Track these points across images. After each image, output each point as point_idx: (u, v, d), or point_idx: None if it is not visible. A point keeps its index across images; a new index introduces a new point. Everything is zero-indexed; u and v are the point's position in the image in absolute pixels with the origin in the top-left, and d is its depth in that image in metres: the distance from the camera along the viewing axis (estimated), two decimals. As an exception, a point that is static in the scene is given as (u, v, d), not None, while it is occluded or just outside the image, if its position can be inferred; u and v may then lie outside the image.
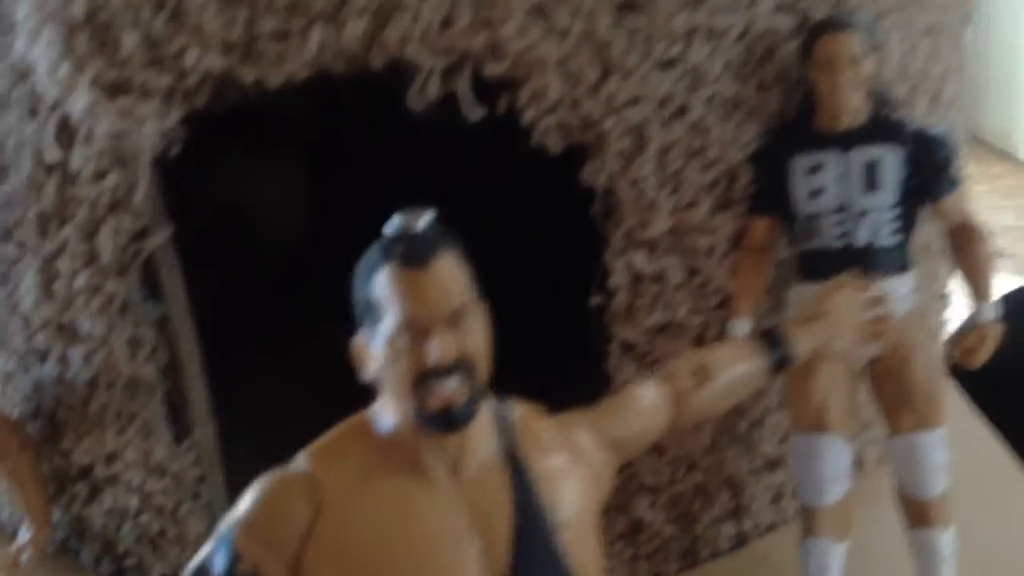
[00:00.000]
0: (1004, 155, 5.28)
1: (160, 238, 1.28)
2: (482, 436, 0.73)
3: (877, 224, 1.21)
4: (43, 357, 1.36)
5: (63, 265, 1.26)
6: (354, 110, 1.39)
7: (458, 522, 0.71)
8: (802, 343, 0.91)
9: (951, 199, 1.23)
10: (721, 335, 1.34)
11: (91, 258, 1.25)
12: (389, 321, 0.68)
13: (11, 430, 1.37)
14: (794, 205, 1.25)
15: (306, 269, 1.89)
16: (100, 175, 1.22)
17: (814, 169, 1.23)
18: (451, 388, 0.67)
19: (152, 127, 1.17)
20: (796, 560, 1.32)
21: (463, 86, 1.18)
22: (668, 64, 1.22)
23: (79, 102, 1.16)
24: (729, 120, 1.27)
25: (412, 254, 0.67)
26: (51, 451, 1.41)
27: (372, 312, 0.69)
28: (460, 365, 0.68)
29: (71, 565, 1.51)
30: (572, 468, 0.77)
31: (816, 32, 1.21)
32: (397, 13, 1.12)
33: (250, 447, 1.42)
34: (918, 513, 1.23)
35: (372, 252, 0.70)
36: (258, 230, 1.70)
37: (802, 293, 1.30)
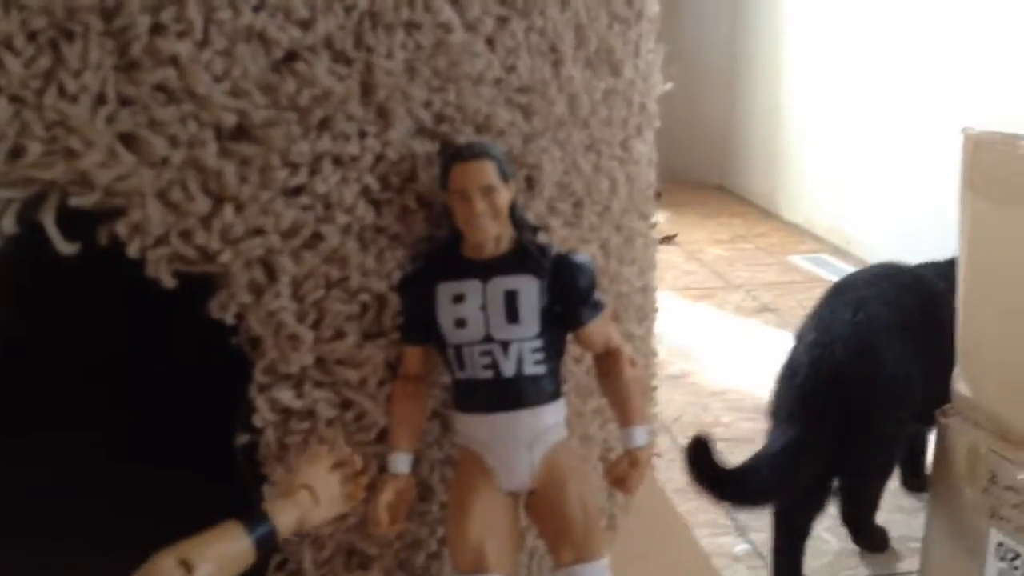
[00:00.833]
0: (768, 215, 5.67)
1: None
2: None
3: (522, 354, 1.17)
4: None
5: None
6: None
7: None
8: (284, 519, 0.96)
9: (593, 326, 1.21)
10: (382, 470, 1.26)
11: None
12: None
13: None
14: (443, 334, 1.20)
15: None
16: None
17: (457, 299, 1.18)
18: None
19: None
20: None
21: (48, 219, 1.04)
22: (293, 192, 1.13)
23: None
24: (370, 248, 1.20)
25: None
26: None
27: None
28: None
29: None
30: None
31: (448, 161, 1.17)
32: (-53, 144, 0.97)
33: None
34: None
35: None
36: None
37: (461, 425, 1.24)
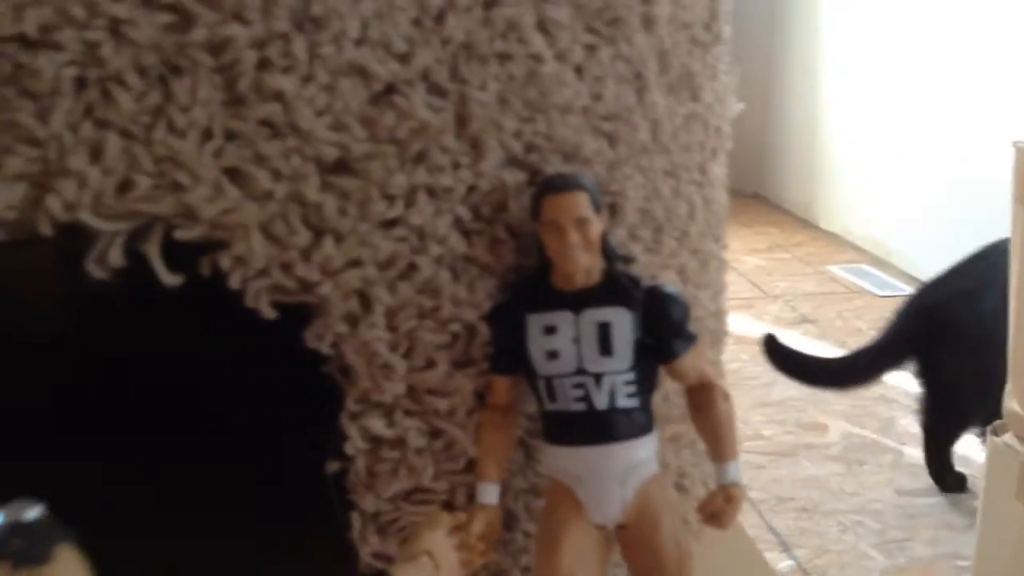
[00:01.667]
0: (806, 224, 5.61)
1: None
2: None
3: (615, 387, 1.17)
4: None
5: None
6: (26, 278, 1.24)
7: None
8: None
9: (686, 358, 1.20)
10: (470, 499, 1.26)
11: None
12: None
13: None
14: (533, 366, 1.20)
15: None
16: None
17: (549, 330, 1.18)
18: None
19: None
20: None
21: (153, 251, 1.05)
22: (389, 224, 1.13)
23: None
24: (462, 278, 1.20)
25: (28, 550, 0.63)
26: None
27: None
28: None
29: None
30: None
31: (541, 192, 1.17)
32: (60, 179, 0.98)
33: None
34: None
35: None
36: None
37: (551, 457, 1.24)
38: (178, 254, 1.08)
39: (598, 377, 1.16)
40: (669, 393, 1.51)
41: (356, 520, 1.26)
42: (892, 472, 2.38)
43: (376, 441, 1.22)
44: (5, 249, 1.03)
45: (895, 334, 2.12)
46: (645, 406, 1.20)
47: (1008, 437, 1.44)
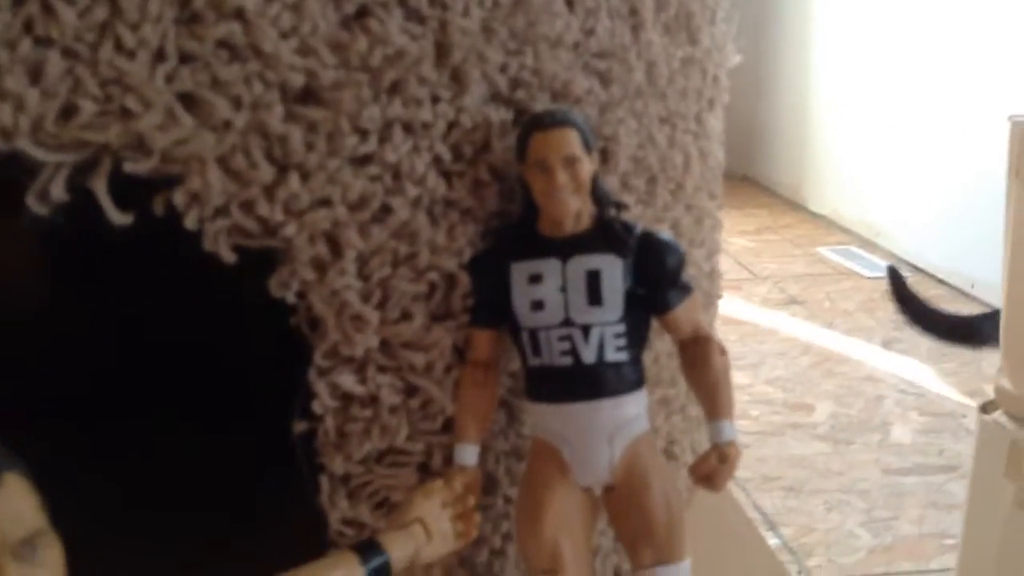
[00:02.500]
0: (795, 206, 5.56)
1: None
2: None
3: (604, 339, 1.09)
4: None
5: None
6: None
7: None
8: (397, 550, 0.94)
9: (681, 310, 1.12)
10: (448, 461, 1.18)
11: None
12: None
13: None
14: (517, 318, 1.11)
15: None
16: None
17: (534, 279, 1.10)
18: None
19: None
20: None
21: (100, 186, 0.96)
22: (361, 161, 1.04)
23: None
24: (441, 223, 1.11)
25: None
26: None
27: None
28: None
29: None
30: None
31: (528, 129, 1.08)
32: (-3, 101, 0.88)
33: None
34: None
35: None
36: None
37: (535, 415, 1.16)
38: (130, 190, 0.99)
39: (586, 329, 1.08)
40: (660, 355, 1.43)
41: (325, 483, 1.17)
42: (879, 452, 2.35)
43: (346, 399, 1.14)
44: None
45: None
46: (635, 360, 1.12)
47: (998, 415, 1.41)
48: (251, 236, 1.04)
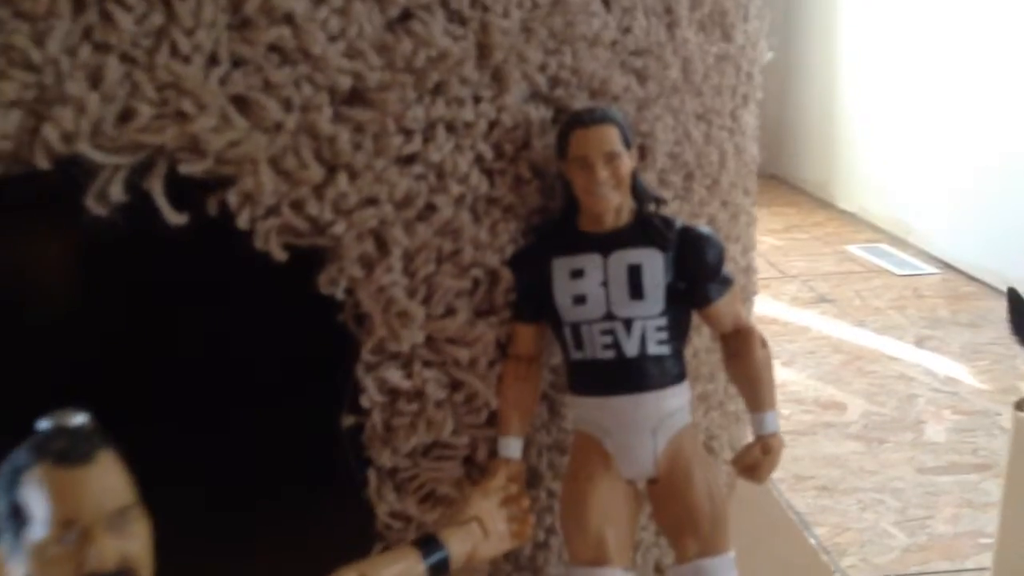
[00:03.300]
0: (824, 204, 5.52)
1: None
2: None
3: (646, 333, 1.10)
4: None
5: None
6: (24, 217, 1.17)
7: None
8: (457, 547, 0.95)
9: (722, 303, 1.14)
10: (492, 455, 1.20)
11: None
12: (39, 527, 0.63)
13: None
14: (559, 312, 1.13)
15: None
16: None
17: (576, 274, 1.11)
18: None
19: None
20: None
21: (157, 187, 0.99)
22: (406, 161, 1.07)
23: None
24: (484, 220, 1.14)
25: (68, 452, 0.64)
26: None
27: (17, 520, 0.64)
28: (122, 573, 0.64)
29: None
30: None
31: (568, 127, 1.10)
32: (57, 106, 0.92)
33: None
34: None
35: (18, 453, 0.65)
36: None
37: (578, 408, 1.18)
38: (185, 192, 1.02)
39: (628, 322, 1.10)
40: (698, 351, 1.44)
41: (372, 477, 1.20)
42: (912, 450, 2.33)
43: (393, 393, 1.16)
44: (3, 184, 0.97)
45: None
46: (677, 354, 1.13)
47: (1035, 413, 1.39)
48: (300, 235, 1.07)
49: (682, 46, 1.27)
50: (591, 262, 1.10)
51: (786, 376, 2.82)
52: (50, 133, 0.92)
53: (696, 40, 1.30)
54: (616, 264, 1.10)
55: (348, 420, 1.18)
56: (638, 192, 1.13)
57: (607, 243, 1.11)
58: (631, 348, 1.10)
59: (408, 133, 1.06)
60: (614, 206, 1.10)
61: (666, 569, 1.47)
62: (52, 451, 0.64)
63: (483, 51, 1.08)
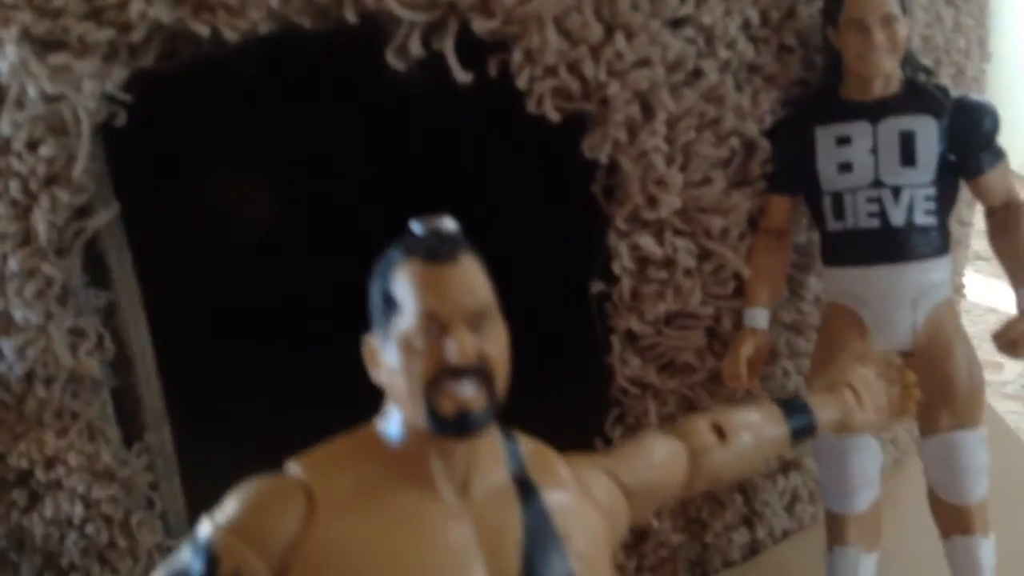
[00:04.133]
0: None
1: (105, 217, 1.14)
2: (492, 456, 0.70)
3: (914, 201, 1.09)
4: (-27, 349, 1.20)
5: (-7, 246, 1.11)
6: (330, 70, 1.24)
7: (464, 541, 0.67)
8: (825, 414, 0.87)
9: (994, 174, 1.10)
10: (736, 325, 1.22)
11: (25, 238, 1.10)
12: (408, 317, 0.66)
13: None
14: (820, 181, 1.13)
15: (274, 254, 1.73)
16: (33, 144, 1.07)
17: (842, 141, 1.11)
18: (468, 391, 0.65)
19: (92, 89, 1.03)
20: (813, 570, 1.21)
21: (449, 45, 1.05)
22: (679, 23, 1.08)
23: (7, 59, 1.01)
24: (745, 88, 1.14)
25: (436, 250, 0.66)
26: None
27: (389, 308, 0.67)
28: (479, 369, 0.65)
29: (11, 581, 1.36)
30: (584, 507, 0.73)
31: (846, -13, 1.08)
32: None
33: (208, 452, 1.29)
34: (956, 520, 1.11)
35: (393, 248, 0.68)
36: (219, 210, 1.53)
37: (832, 279, 1.18)
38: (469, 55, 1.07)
39: (896, 190, 1.08)
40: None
41: (616, 343, 1.24)
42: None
43: (644, 261, 1.19)
44: (313, 40, 1.04)
45: None
46: (943, 225, 1.11)
47: None
48: (571, 98, 1.10)
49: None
50: (859, 129, 1.09)
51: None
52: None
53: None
54: (887, 131, 1.08)
55: (598, 287, 1.22)
56: (908, 60, 1.11)
57: (876, 110, 1.09)
58: (897, 217, 1.09)
59: (683, -6, 1.07)
60: (886, 71, 1.08)
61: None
62: (422, 249, 0.66)
63: (757, -87, 1.08)
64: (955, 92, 1.32)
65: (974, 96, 1.11)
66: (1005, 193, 1.11)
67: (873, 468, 1.12)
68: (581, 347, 1.27)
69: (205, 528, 0.65)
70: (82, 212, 1.12)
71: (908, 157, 1.07)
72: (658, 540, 1.29)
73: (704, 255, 1.20)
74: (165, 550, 1.21)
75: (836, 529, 1.14)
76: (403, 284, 0.66)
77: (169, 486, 1.30)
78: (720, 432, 0.83)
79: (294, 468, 0.68)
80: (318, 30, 1.04)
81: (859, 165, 1.09)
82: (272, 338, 1.51)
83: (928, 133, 1.07)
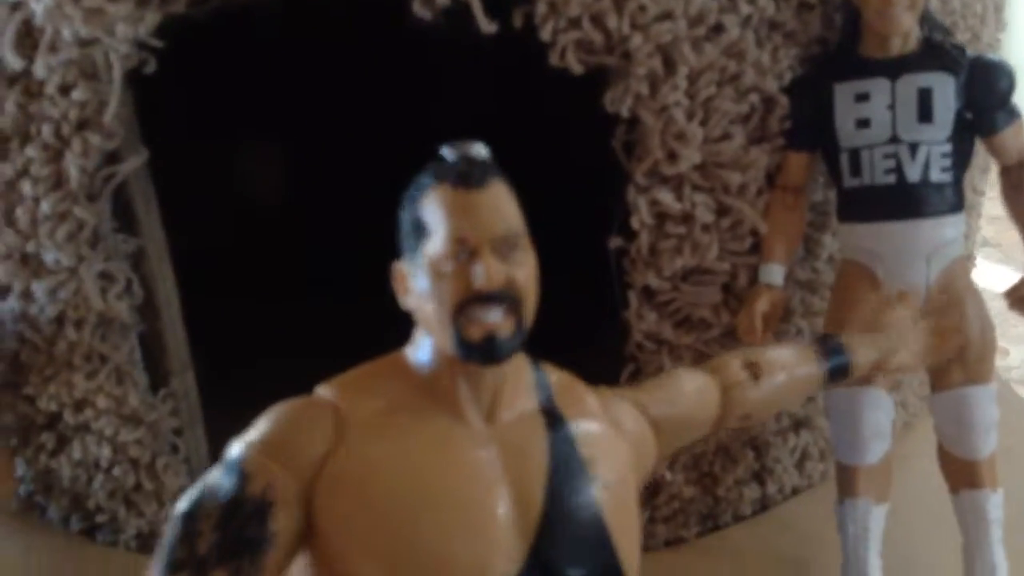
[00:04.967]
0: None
1: (134, 163, 1.16)
2: (519, 384, 0.70)
3: (930, 158, 1.10)
4: (3, 292, 1.23)
5: (26, 189, 1.13)
6: (356, 19, 1.26)
7: (491, 466, 0.67)
8: (861, 355, 0.86)
9: (1009, 132, 1.12)
10: (752, 282, 1.23)
11: (57, 181, 1.13)
12: (437, 242, 0.65)
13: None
14: (838, 138, 1.14)
15: (300, 201, 1.75)
16: (66, 88, 1.09)
17: (861, 97, 1.12)
18: (495, 317, 0.64)
19: (124, 32, 1.05)
20: (821, 525, 1.23)
21: (474, -2, 1.06)
22: (702, -24, 1.10)
23: (42, 1, 1.04)
24: (766, 44, 1.15)
25: (467, 175, 0.65)
26: (13, 396, 1.29)
27: (418, 234, 0.66)
28: (507, 295, 0.64)
29: (37, 522, 1.40)
30: (612, 437, 0.73)
31: (868, -56, 1.09)
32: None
33: (232, 398, 1.31)
34: (965, 474, 1.13)
35: (424, 174, 0.67)
36: (247, 158, 1.56)
37: (848, 235, 1.19)
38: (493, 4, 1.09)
39: (913, 146, 1.10)
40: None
41: (633, 298, 1.26)
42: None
43: (661, 217, 1.21)
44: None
45: None
46: (957, 182, 1.12)
47: None
48: (594, 52, 1.12)
49: None
50: (877, 86, 1.11)
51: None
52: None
53: None
54: (905, 87, 1.09)
55: (615, 242, 1.24)
56: (926, 18, 1.12)
57: (894, 67, 1.10)
58: (914, 173, 1.10)
59: (706, -53, 1.08)
60: (905, 28, 1.09)
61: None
62: (453, 174, 0.65)
63: None
64: (971, 50, 1.34)
65: (991, 56, 1.12)
66: (1019, 152, 1.13)
67: (886, 422, 1.14)
68: (597, 303, 1.29)
69: (236, 447, 0.65)
70: (112, 158, 1.14)
71: (925, 114, 1.09)
72: (671, 493, 1.32)
73: (722, 211, 1.21)
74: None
75: (847, 481, 1.16)
76: (433, 209, 0.65)
77: (193, 433, 1.33)
78: (753, 369, 0.82)
79: (324, 390, 0.68)
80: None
81: (877, 121, 1.11)
82: (298, 289, 1.53)
83: (945, 90, 1.09)
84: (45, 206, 1.13)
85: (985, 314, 1.15)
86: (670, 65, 1.13)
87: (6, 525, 1.38)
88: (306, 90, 1.52)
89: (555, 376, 0.74)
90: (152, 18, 1.05)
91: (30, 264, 1.17)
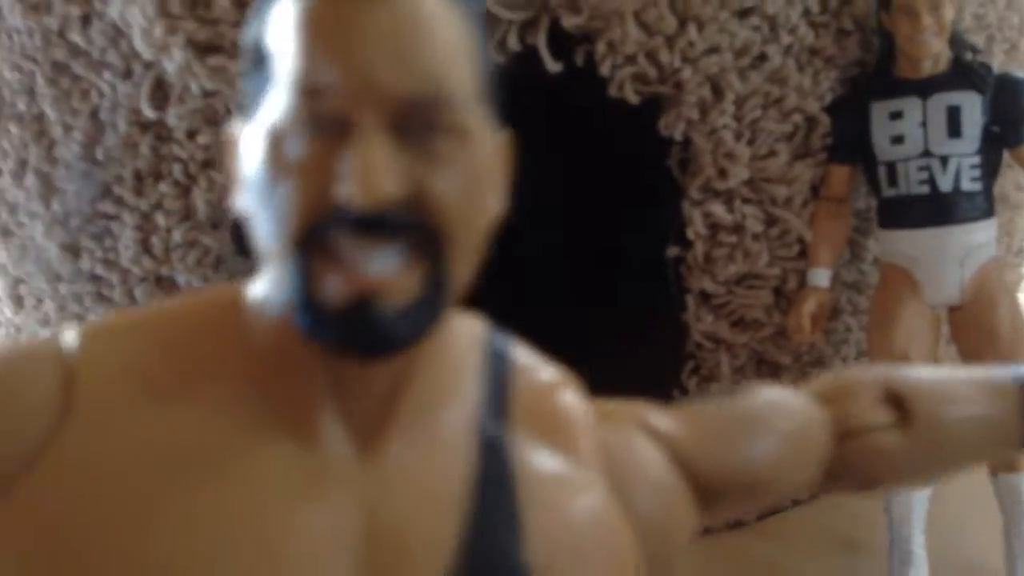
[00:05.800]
0: None
1: (249, 194, 1.33)
2: (441, 387, 0.38)
3: (960, 169, 1.21)
4: (141, 310, 1.42)
5: (160, 220, 1.32)
6: None
7: (338, 529, 0.35)
8: None
9: (1032, 145, 1.21)
10: (801, 285, 1.35)
11: (187, 214, 1.31)
12: (282, 95, 0.33)
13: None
14: (875, 152, 1.25)
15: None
16: (192, 134, 1.27)
17: (895, 115, 1.23)
18: (382, 264, 0.33)
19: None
20: (869, 507, 1.33)
21: (541, 39, 1.20)
22: (745, 13, 1.22)
23: (174, 61, 1.21)
24: (807, 69, 1.27)
25: None
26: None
27: (260, 74, 0.35)
28: (409, 221, 0.33)
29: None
30: (598, 495, 0.39)
31: (897, -23, 1.20)
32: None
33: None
34: (1002, 459, 1.23)
35: None
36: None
37: (887, 241, 1.30)
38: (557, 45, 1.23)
39: (944, 159, 1.20)
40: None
41: (691, 302, 1.39)
42: None
43: (715, 227, 1.33)
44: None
45: None
46: (987, 191, 1.22)
47: None
48: (649, 83, 1.25)
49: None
50: (910, 105, 1.21)
51: None
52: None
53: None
54: (935, 106, 1.20)
55: (673, 251, 1.37)
56: (954, 40, 1.22)
57: (926, 87, 1.21)
58: (945, 183, 1.20)
59: (749, -13, 1.20)
60: (934, 52, 1.20)
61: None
62: None
63: (817, -88, 1.20)
64: (1002, 68, 1.43)
65: (1016, 73, 1.22)
66: (1042, 163, 1.22)
67: None
68: (659, 307, 1.41)
69: None
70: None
71: (954, 130, 1.19)
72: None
73: (770, 221, 1.33)
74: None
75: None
76: (283, 26, 0.34)
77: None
78: (899, 404, 0.47)
79: (70, 335, 0.36)
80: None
81: (910, 137, 1.21)
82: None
83: (973, 108, 1.19)
84: (176, 235, 1.31)
85: (1017, 312, 1.24)
86: (718, 92, 1.26)
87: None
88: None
89: (523, 359, 0.42)
90: (265, 71, 1.22)
91: (164, 285, 1.36)
